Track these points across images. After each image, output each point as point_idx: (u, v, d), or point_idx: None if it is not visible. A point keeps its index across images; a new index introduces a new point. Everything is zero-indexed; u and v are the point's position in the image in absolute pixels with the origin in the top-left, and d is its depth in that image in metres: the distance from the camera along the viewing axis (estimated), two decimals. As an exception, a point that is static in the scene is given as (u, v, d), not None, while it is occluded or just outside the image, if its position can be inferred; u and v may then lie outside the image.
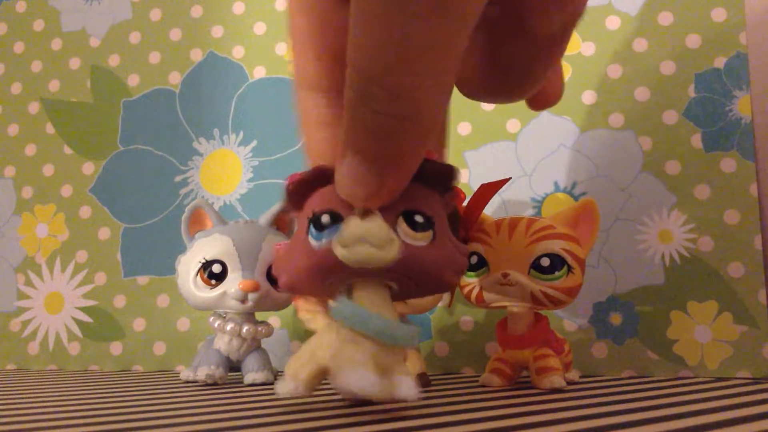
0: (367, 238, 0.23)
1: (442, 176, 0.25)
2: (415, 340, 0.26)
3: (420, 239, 0.24)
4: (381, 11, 0.17)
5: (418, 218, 0.24)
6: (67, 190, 0.56)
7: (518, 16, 0.21)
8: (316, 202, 0.25)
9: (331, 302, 0.26)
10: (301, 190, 0.25)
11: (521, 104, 0.25)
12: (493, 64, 0.22)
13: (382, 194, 0.22)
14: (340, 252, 0.23)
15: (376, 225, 0.23)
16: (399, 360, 0.26)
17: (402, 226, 0.24)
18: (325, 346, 0.26)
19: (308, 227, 0.24)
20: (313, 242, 0.24)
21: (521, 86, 0.23)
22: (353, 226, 0.23)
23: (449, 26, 0.17)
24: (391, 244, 0.24)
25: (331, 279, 0.25)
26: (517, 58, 0.22)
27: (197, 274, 0.40)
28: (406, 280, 0.25)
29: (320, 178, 0.25)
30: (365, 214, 0.23)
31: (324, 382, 0.27)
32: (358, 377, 0.24)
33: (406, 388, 0.25)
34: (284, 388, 0.27)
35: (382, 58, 0.18)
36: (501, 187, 0.39)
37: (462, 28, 0.18)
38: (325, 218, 0.24)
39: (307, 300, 0.34)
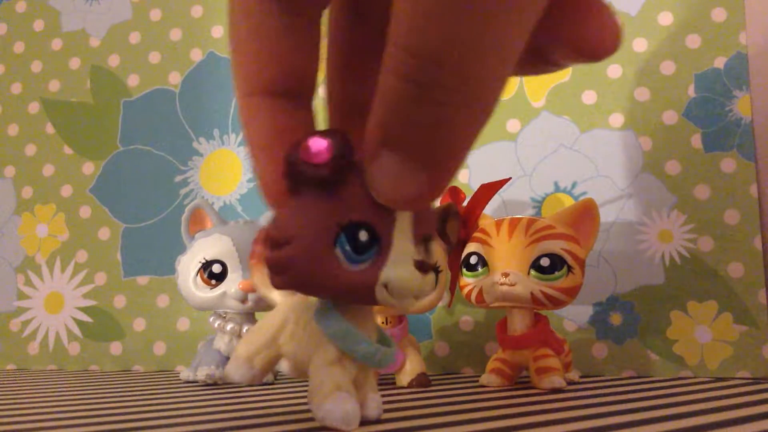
0: (419, 294, 0.22)
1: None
2: (393, 360, 0.24)
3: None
4: None
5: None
6: (67, 190, 0.56)
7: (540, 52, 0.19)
8: (350, 202, 0.20)
9: (317, 312, 0.24)
10: (335, 164, 0.20)
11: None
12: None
13: (431, 194, 0.19)
14: (383, 297, 0.21)
15: (430, 280, 0.22)
16: (370, 377, 0.25)
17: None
18: (288, 335, 0.25)
19: (338, 236, 0.21)
20: (343, 260, 0.21)
21: (550, 71, 0.21)
22: (412, 281, 0.21)
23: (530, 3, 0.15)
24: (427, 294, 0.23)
25: (351, 302, 0.23)
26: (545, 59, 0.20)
27: (197, 274, 0.40)
28: None
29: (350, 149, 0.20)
30: (424, 267, 0.21)
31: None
32: (347, 408, 0.22)
33: (375, 406, 0.24)
34: (239, 373, 0.26)
35: (453, 41, 0.15)
36: (501, 187, 0.40)
37: (538, 6, 0.16)
38: (363, 236, 0.21)
39: (262, 271, 0.28)
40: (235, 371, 0.26)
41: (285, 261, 0.21)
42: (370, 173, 0.19)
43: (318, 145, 0.20)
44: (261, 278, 0.28)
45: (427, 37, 0.15)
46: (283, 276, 0.21)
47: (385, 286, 0.21)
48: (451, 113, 0.17)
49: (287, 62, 0.22)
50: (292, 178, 0.21)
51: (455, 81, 0.16)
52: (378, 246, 0.21)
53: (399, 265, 0.21)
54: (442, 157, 0.18)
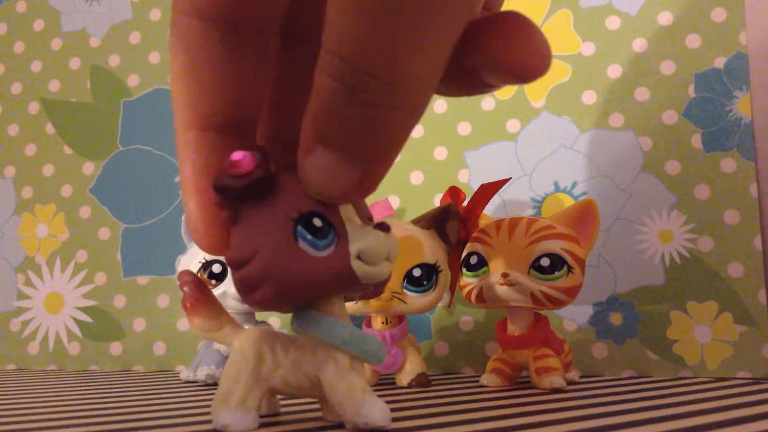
0: (390, 255, 0.22)
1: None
2: (386, 352, 0.24)
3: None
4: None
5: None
6: (67, 190, 0.56)
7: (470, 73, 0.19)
8: (292, 198, 0.21)
9: (310, 329, 0.23)
10: (264, 176, 0.21)
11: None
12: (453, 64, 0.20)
13: (362, 191, 0.20)
14: (361, 268, 0.21)
15: (394, 240, 0.22)
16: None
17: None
18: (271, 366, 0.24)
19: (295, 230, 0.21)
20: (310, 250, 0.21)
21: (484, 92, 0.21)
22: (380, 242, 0.21)
23: (454, 10, 0.16)
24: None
25: (334, 292, 0.23)
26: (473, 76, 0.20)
27: (197, 274, 0.40)
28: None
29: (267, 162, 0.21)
30: (383, 227, 0.22)
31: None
32: (382, 405, 0.22)
33: (381, 411, 0.23)
34: (240, 423, 0.23)
35: (381, 48, 0.16)
36: (501, 187, 0.39)
37: (467, 11, 0.16)
38: (317, 222, 0.21)
39: (207, 309, 0.26)
40: (234, 421, 0.23)
41: (257, 274, 0.21)
42: (303, 167, 0.19)
43: (239, 155, 0.21)
44: (201, 323, 0.25)
45: (355, 44, 0.16)
46: (260, 290, 0.21)
47: (358, 256, 0.21)
48: (378, 113, 0.17)
49: (228, 95, 0.21)
50: (226, 198, 0.21)
51: (381, 85, 0.17)
52: (333, 230, 0.21)
53: (362, 235, 0.21)
54: (373, 153, 0.19)
